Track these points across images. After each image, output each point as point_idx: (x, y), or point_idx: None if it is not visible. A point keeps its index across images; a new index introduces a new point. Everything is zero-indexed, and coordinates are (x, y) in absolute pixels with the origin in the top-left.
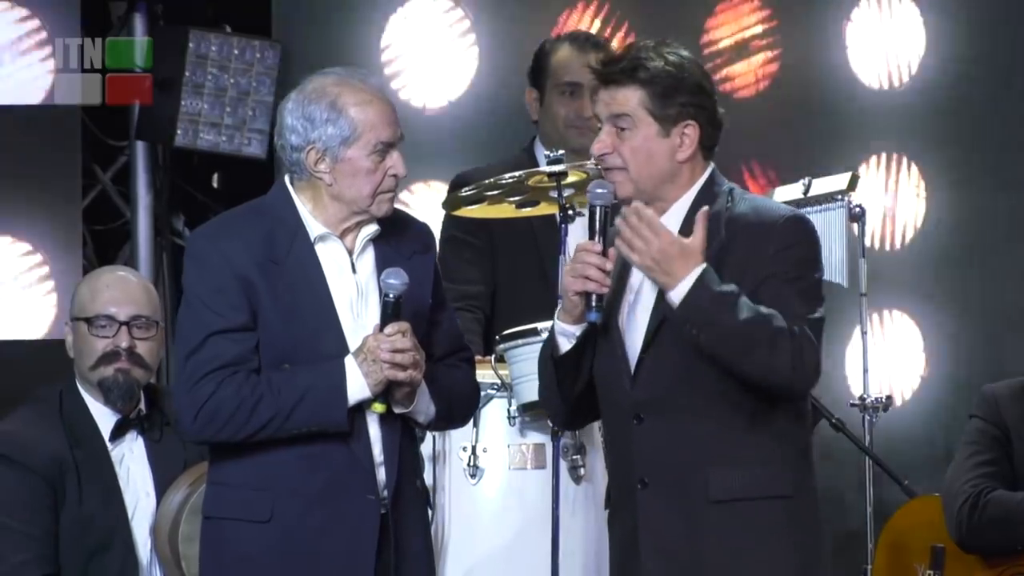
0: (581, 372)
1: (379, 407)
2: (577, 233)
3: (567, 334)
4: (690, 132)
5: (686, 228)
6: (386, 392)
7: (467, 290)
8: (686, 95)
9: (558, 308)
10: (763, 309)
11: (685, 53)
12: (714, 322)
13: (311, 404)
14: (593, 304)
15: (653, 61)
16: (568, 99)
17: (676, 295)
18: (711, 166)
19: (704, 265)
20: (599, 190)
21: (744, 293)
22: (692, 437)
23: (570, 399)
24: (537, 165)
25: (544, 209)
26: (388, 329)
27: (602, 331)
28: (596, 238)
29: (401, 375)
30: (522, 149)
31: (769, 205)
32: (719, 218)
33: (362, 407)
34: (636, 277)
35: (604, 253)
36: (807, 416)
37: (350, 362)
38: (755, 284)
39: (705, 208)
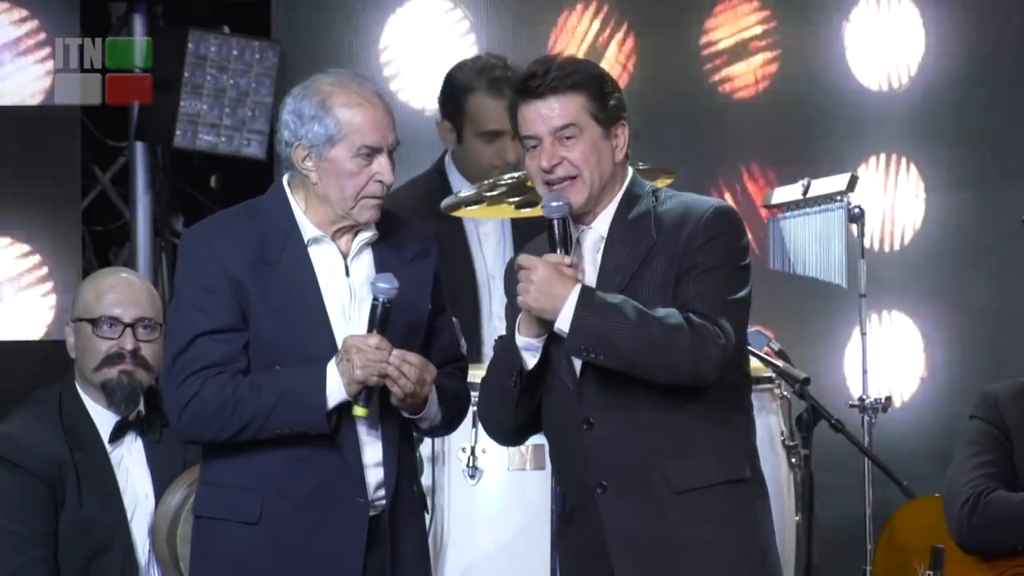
0: (540, 385)
1: (360, 411)
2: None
3: (532, 348)
4: (621, 132)
5: (613, 233)
6: (370, 397)
7: None
8: (614, 96)
9: (517, 323)
10: (658, 310)
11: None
12: (607, 338)
13: (289, 405)
14: None
15: (580, 66)
16: (489, 144)
17: (563, 322)
18: (631, 170)
19: (579, 284)
20: (554, 203)
21: (656, 296)
22: (645, 434)
23: (525, 414)
24: (450, 188)
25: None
26: (382, 344)
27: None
28: (559, 251)
29: (396, 390)
30: (434, 169)
31: (696, 200)
32: (647, 219)
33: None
34: None
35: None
36: (750, 403)
37: (332, 365)
38: (679, 277)
39: (581, 237)
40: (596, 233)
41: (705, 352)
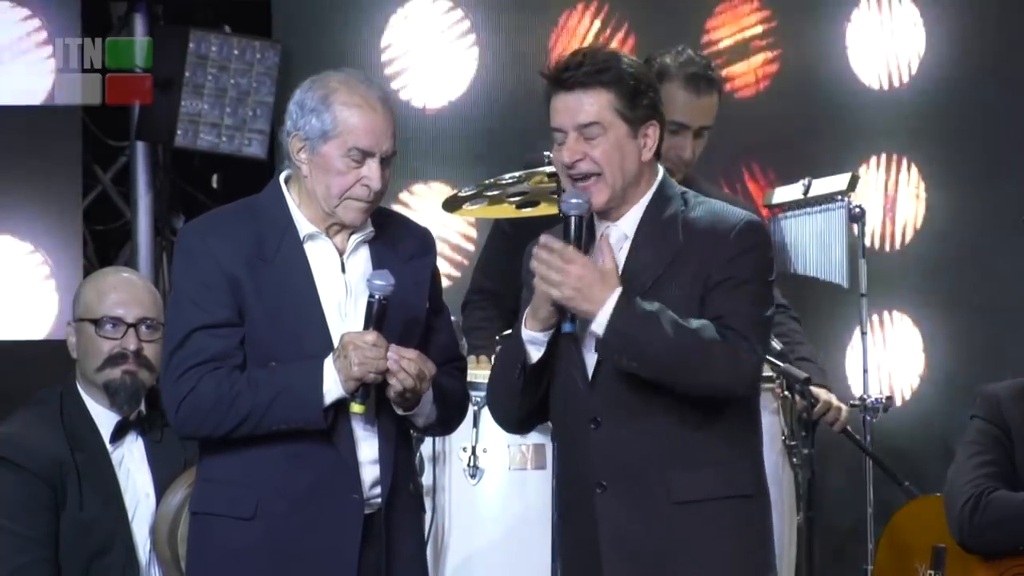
0: (544, 379)
1: (357, 408)
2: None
3: (537, 342)
4: (651, 132)
5: (640, 234)
6: (367, 393)
7: (483, 284)
8: (649, 95)
9: (524, 315)
10: (692, 322)
11: (632, 56)
12: (643, 347)
13: (286, 402)
14: (569, 314)
15: (614, 63)
16: (670, 136)
17: (599, 324)
18: (662, 170)
19: (620, 288)
20: (574, 200)
21: (680, 302)
22: (651, 440)
23: (529, 406)
24: None
25: (544, 210)
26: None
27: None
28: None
29: (395, 383)
30: None
31: (726, 210)
32: (675, 223)
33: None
34: None
35: None
36: (759, 418)
37: (328, 362)
38: (709, 288)
39: (606, 233)
40: (620, 231)
41: (739, 369)
